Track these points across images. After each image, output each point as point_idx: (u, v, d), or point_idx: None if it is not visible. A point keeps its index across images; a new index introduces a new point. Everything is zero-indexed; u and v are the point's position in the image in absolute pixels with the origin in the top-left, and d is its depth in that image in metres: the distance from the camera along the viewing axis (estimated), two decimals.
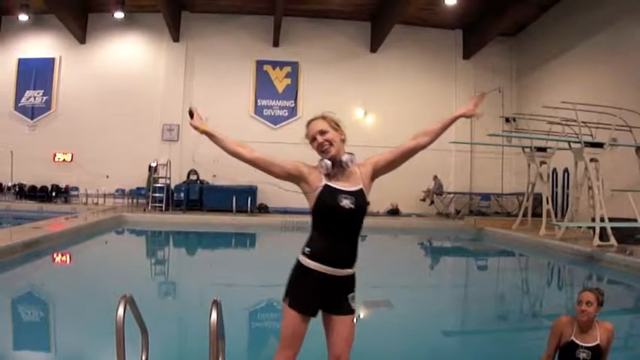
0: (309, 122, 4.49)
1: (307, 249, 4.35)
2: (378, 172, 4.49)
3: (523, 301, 13.39)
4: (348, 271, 4.32)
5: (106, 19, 29.38)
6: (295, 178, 4.42)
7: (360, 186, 4.35)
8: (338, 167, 4.32)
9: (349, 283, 4.38)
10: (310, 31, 30.26)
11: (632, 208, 17.43)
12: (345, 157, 4.31)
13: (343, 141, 4.45)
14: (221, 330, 4.53)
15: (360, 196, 4.31)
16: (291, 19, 29.44)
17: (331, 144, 4.32)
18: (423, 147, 4.47)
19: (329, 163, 4.29)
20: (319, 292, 4.29)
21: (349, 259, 4.34)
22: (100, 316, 7.67)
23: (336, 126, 4.43)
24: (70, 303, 10.06)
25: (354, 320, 4.41)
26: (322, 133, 4.34)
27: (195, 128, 4.61)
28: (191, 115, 4.63)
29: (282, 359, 4.34)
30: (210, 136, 4.56)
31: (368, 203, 4.40)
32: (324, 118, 4.45)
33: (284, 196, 28.33)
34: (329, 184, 4.30)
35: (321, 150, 4.33)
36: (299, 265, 4.37)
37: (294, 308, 4.33)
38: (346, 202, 4.22)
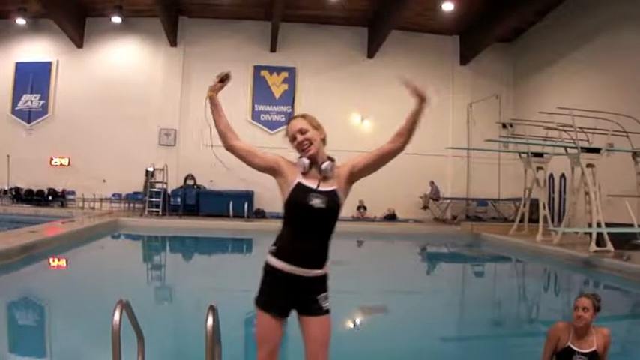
0: (289, 121, 4.52)
1: (273, 247, 4.36)
2: (355, 175, 4.43)
3: (520, 306, 13.39)
4: (316, 272, 4.27)
5: (104, 24, 29.44)
6: (274, 171, 4.44)
7: (334, 187, 4.32)
8: (316, 167, 4.32)
9: (318, 283, 4.32)
10: (307, 37, 30.28)
11: (628, 214, 17.45)
12: (324, 165, 4.29)
13: (323, 140, 4.44)
14: (217, 335, 4.53)
15: (332, 197, 4.28)
16: (289, 24, 29.48)
17: (311, 143, 4.31)
18: (399, 149, 4.37)
19: (307, 161, 4.29)
20: (285, 292, 4.26)
21: (316, 260, 4.29)
22: (96, 321, 7.68)
23: (317, 125, 4.43)
24: (67, 307, 10.04)
25: (329, 320, 4.33)
26: (302, 132, 4.33)
27: (211, 91, 4.66)
28: (223, 80, 4.65)
29: (260, 358, 4.31)
30: (214, 105, 4.59)
31: (340, 205, 4.35)
32: (304, 117, 4.46)
33: (281, 201, 28.56)
34: (302, 181, 4.29)
35: (301, 149, 4.33)
36: (266, 264, 4.36)
37: (262, 308, 4.31)
38: (316, 202, 4.21)
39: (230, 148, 4.50)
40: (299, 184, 4.29)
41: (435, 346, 8.60)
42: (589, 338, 5.28)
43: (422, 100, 4.31)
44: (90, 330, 7.98)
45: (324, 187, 4.28)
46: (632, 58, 21.81)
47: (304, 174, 4.31)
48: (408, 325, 9.94)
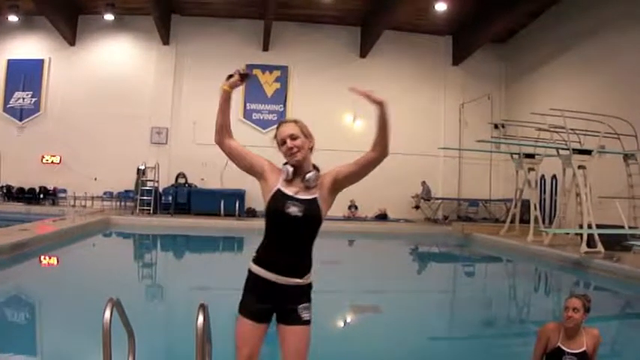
0: (280, 124, 4.45)
1: (255, 254, 4.33)
2: (338, 183, 4.34)
3: (510, 306, 13.41)
4: (294, 281, 4.21)
5: (96, 21, 29.35)
6: (257, 173, 4.42)
7: (315, 195, 4.26)
8: (300, 175, 4.27)
9: (299, 293, 4.26)
10: (300, 36, 30.27)
11: (619, 215, 17.50)
12: (308, 175, 4.24)
13: (311, 149, 4.39)
14: (208, 334, 4.53)
15: (311, 205, 4.22)
16: (282, 23, 29.46)
17: (299, 150, 4.26)
18: (379, 157, 4.23)
19: (291, 169, 4.25)
20: (264, 299, 4.24)
21: (294, 269, 4.23)
22: (87, 319, 7.66)
23: (307, 133, 4.38)
24: (57, 305, 10.02)
25: (307, 331, 4.27)
26: (292, 137, 4.28)
27: (229, 86, 4.47)
28: (243, 78, 4.45)
29: None
30: (225, 101, 4.51)
31: (319, 214, 4.26)
32: (296, 122, 4.40)
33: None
34: (281, 188, 4.25)
35: (289, 154, 4.27)
36: (248, 270, 4.34)
37: (241, 313, 4.31)
38: (293, 209, 4.16)
39: (221, 144, 4.47)
40: (278, 191, 4.25)
41: (425, 346, 8.61)
42: (579, 339, 5.29)
43: (378, 104, 4.16)
44: (80, 328, 7.98)
45: (304, 195, 4.23)
46: (624, 59, 21.87)
47: (287, 181, 4.28)
48: (398, 324, 9.95)
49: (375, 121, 4.20)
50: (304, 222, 4.19)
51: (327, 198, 4.32)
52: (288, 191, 4.23)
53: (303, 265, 4.26)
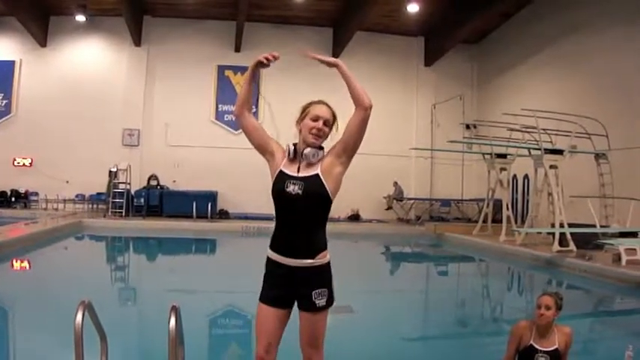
0: (320, 102, 4.47)
1: (270, 239, 4.35)
2: (341, 156, 4.30)
3: (483, 305, 13.50)
4: (305, 262, 4.20)
5: (68, 23, 29.14)
6: (267, 152, 4.44)
7: (316, 172, 4.24)
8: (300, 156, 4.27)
9: (312, 275, 4.25)
10: (272, 37, 30.16)
11: (591, 214, 17.61)
12: (306, 150, 4.25)
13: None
14: (180, 336, 4.50)
15: (312, 182, 4.20)
16: (254, 24, 29.41)
17: (321, 137, 4.30)
18: (361, 111, 4.20)
19: (292, 147, 4.30)
20: (280, 283, 4.25)
21: (303, 249, 4.22)
22: (58, 323, 7.58)
23: (332, 127, 4.42)
24: (28, 309, 9.96)
25: (323, 317, 4.32)
26: (325, 122, 4.32)
27: (260, 64, 4.38)
28: (264, 65, 4.38)
29: (257, 352, 4.29)
30: (252, 75, 4.45)
31: (322, 190, 4.22)
32: (333, 113, 4.43)
33: (244, 201, 28.43)
34: (282, 168, 4.27)
35: (314, 134, 4.28)
36: (266, 257, 4.35)
37: (260, 299, 4.31)
38: (293, 188, 4.17)
39: (239, 115, 4.46)
40: (280, 171, 4.27)
41: (399, 347, 8.61)
42: (551, 337, 5.31)
43: (334, 65, 4.28)
44: (52, 332, 7.93)
45: (303, 173, 4.23)
46: (595, 61, 22.08)
47: (290, 161, 4.30)
48: (372, 324, 9.95)
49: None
50: (305, 199, 4.18)
51: (332, 173, 4.27)
52: (289, 171, 4.26)
53: (311, 245, 4.27)
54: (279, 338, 4.31)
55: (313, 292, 4.22)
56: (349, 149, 4.29)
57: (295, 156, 4.29)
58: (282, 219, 4.27)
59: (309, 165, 4.24)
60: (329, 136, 4.41)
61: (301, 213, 4.21)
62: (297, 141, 4.40)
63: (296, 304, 4.33)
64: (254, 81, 4.45)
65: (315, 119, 4.30)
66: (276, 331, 4.27)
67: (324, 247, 4.32)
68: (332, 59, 4.28)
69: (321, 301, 4.25)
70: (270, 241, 4.33)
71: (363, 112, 4.18)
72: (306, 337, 4.29)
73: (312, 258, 4.22)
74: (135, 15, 28.76)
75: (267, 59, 4.29)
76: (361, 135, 4.28)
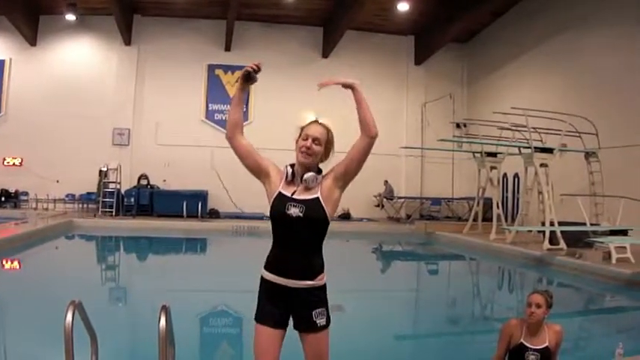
0: (314, 122, 4.45)
1: (266, 260, 4.31)
2: (339, 181, 4.30)
3: (474, 304, 13.51)
4: (305, 283, 4.18)
5: (58, 22, 28.98)
6: (262, 174, 4.39)
7: (316, 195, 4.21)
8: (299, 178, 4.25)
9: (312, 296, 4.23)
10: (262, 36, 30.17)
11: (581, 213, 17.64)
12: (307, 175, 4.21)
13: (322, 161, 4.39)
14: (170, 336, 4.49)
15: (312, 205, 4.17)
16: (244, 23, 29.39)
17: (312, 155, 4.24)
18: (367, 139, 4.22)
19: (290, 170, 4.27)
20: (278, 303, 4.22)
21: (302, 271, 4.19)
22: (48, 323, 7.57)
23: (330, 147, 4.39)
24: (18, 309, 9.94)
25: (325, 336, 4.28)
26: (315, 141, 4.27)
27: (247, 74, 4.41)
28: (252, 79, 4.43)
29: None
30: (235, 96, 4.49)
31: (322, 214, 4.20)
32: (328, 132, 4.39)
33: (235, 200, 28.39)
34: (281, 190, 4.23)
35: (302, 152, 4.25)
36: (260, 277, 4.32)
37: (257, 321, 4.27)
38: (294, 210, 4.13)
39: (232, 140, 4.41)
40: (279, 194, 4.23)
41: (390, 345, 8.62)
42: (541, 335, 5.32)
43: (350, 87, 4.26)
44: (42, 332, 7.91)
45: (305, 196, 4.20)
46: (585, 59, 22.18)
47: (288, 184, 4.27)
48: (363, 323, 9.96)
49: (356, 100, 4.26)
50: (306, 222, 4.16)
51: (331, 198, 4.27)
52: (289, 193, 4.22)
53: (312, 267, 4.24)
54: (278, 357, 4.27)
55: (313, 312, 4.22)
56: (349, 173, 4.30)
57: (293, 178, 4.27)
58: (282, 241, 4.25)
59: (308, 188, 4.23)
60: (329, 156, 4.43)
61: (302, 235, 4.19)
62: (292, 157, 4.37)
63: (291, 324, 4.31)
64: (239, 101, 4.48)
65: (305, 138, 4.29)
66: (276, 351, 4.24)
67: (322, 269, 4.31)
68: (350, 81, 4.27)
69: (321, 321, 4.24)
70: (266, 262, 4.29)
71: (369, 139, 4.21)
72: (312, 357, 4.28)
73: (313, 279, 4.21)
74: (125, 14, 28.67)
75: (253, 70, 4.37)
76: (363, 160, 4.29)
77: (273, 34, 30.34)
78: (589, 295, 14.50)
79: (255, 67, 4.36)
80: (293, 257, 4.18)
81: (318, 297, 4.26)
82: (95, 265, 17.62)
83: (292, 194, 4.20)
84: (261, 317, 4.25)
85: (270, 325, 4.21)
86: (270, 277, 4.22)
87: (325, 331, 4.28)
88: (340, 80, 4.28)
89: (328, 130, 4.40)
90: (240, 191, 26.57)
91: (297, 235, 4.18)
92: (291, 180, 4.26)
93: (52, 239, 20.16)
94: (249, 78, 4.37)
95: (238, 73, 29.53)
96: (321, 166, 4.34)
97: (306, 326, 4.22)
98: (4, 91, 29.30)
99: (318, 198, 4.20)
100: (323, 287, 4.30)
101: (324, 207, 4.21)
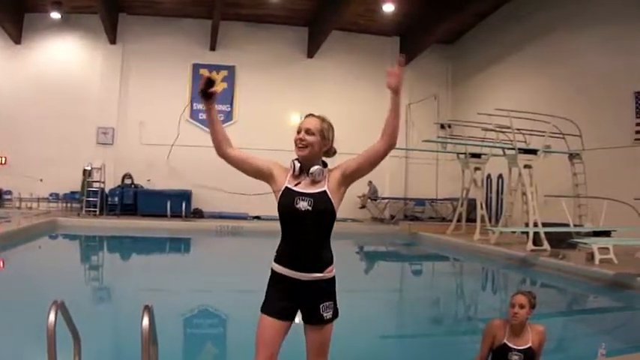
0: (307, 115, 4.49)
1: (275, 253, 4.36)
2: (347, 177, 4.36)
3: (457, 304, 13.56)
4: (314, 276, 4.26)
5: (43, 20, 28.81)
6: (265, 176, 4.41)
7: (323, 188, 4.27)
8: (307, 171, 4.29)
9: (321, 289, 4.32)
10: (247, 36, 30.15)
11: (564, 214, 17.70)
12: (313, 169, 4.26)
13: (327, 152, 4.44)
14: (153, 336, 4.48)
15: (320, 199, 4.23)
16: (229, 23, 29.31)
17: (307, 146, 4.28)
18: (386, 146, 4.30)
19: (298, 164, 4.30)
20: (287, 296, 4.27)
21: (312, 263, 4.27)
22: (31, 323, 7.53)
23: (327, 136, 4.40)
24: (1, 309, 9.86)
25: (329, 329, 4.39)
26: (308, 132, 4.31)
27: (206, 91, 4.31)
28: (210, 94, 4.32)
29: None
30: (207, 115, 4.43)
31: (330, 207, 4.28)
32: (322, 121, 4.43)
33: (219, 200, 28.36)
34: (288, 185, 4.27)
35: (297, 145, 4.31)
36: (271, 270, 4.37)
37: (262, 311, 4.32)
38: (302, 204, 4.19)
39: (223, 157, 4.43)
40: (286, 188, 4.27)
41: (374, 346, 8.63)
42: (525, 335, 5.35)
43: (393, 87, 4.33)
44: (24, 332, 7.86)
45: (312, 189, 4.25)
46: (569, 61, 22.30)
47: (295, 178, 4.31)
48: (346, 323, 9.95)
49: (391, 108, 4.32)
50: (315, 215, 4.22)
51: (337, 191, 4.33)
52: (296, 187, 4.26)
53: (321, 259, 4.33)
54: (279, 349, 4.32)
55: (321, 305, 4.30)
56: (360, 171, 4.36)
57: (301, 173, 4.30)
58: (291, 234, 4.30)
59: (314, 182, 4.27)
60: (330, 144, 4.47)
61: (310, 228, 4.25)
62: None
63: (299, 317, 4.38)
64: (212, 114, 4.40)
65: (298, 131, 4.34)
66: (278, 342, 4.29)
67: (331, 261, 4.41)
68: (399, 86, 4.34)
69: (328, 314, 4.33)
70: (276, 255, 4.34)
71: (387, 146, 4.28)
72: (316, 348, 4.35)
73: (322, 272, 4.30)
74: (110, 13, 28.56)
75: (204, 87, 4.32)
76: (375, 164, 4.37)
77: (258, 33, 30.30)
78: (572, 295, 14.56)
79: (203, 85, 4.32)
80: (302, 250, 4.25)
81: (327, 290, 4.37)
82: (78, 264, 17.57)
83: (300, 188, 4.24)
84: (267, 308, 4.30)
85: (276, 316, 4.26)
86: (280, 269, 4.28)
87: (331, 324, 4.38)
88: (399, 80, 4.39)
89: (322, 119, 4.45)
90: (224, 192, 26.65)
91: (306, 229, 4.24)
92: (298, 174, 4.30)
93: (35, 238, 20.06)
94: (205, 95, 4.30)
95: (223, 73, 29.65)
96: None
97: (313, 319, 4.31)
98: None
99: (325, 191, 4.27)
100: (332, 280, 4.41)
101: (332, 199, 4.27)
